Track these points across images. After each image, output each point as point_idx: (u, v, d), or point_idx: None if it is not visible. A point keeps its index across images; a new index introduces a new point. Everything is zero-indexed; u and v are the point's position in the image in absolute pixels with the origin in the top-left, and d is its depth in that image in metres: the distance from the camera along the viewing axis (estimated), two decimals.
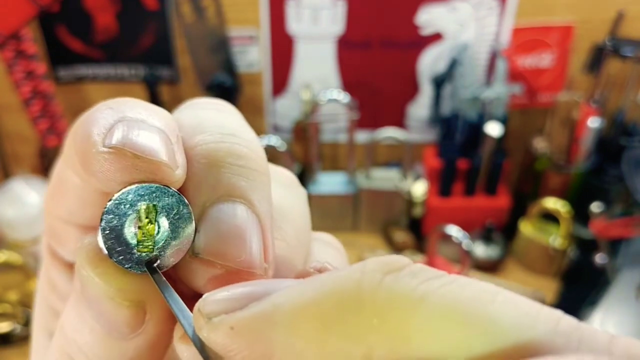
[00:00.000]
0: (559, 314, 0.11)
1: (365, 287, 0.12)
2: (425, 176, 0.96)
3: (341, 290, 0.12)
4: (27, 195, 0.88)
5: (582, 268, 0.89)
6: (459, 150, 0.91)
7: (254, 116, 1.00)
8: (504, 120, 0.88)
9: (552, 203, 0.87)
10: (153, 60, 0.95)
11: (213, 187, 0.16)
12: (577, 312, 0.80)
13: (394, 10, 0.90)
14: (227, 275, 0.15)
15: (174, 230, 0.15)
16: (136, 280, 0.15)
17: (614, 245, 0.87)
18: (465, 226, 0.82)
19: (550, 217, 0.89)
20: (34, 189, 0.89)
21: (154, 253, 0.15)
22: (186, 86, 0.97)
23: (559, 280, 0.90)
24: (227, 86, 0.91)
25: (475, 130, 0.89)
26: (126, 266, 0.15)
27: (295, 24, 0.92)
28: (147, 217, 0.15)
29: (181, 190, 0.16)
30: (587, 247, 0.89)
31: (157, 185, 0.15)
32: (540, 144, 0.92)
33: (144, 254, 0.15)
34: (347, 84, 0.97)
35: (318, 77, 0.97)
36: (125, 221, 0.15)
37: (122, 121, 0.15)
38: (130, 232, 0.15)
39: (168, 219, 0.15)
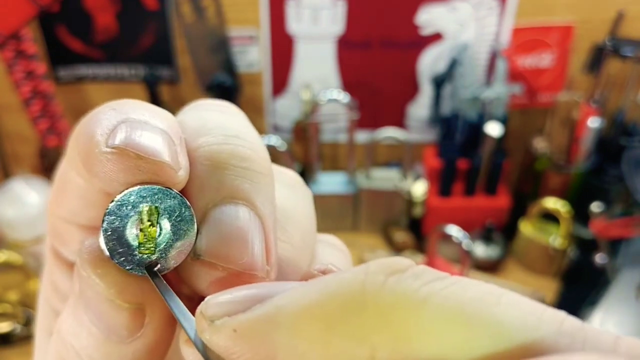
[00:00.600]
0: (562, 314, 0.11)
1: (368, 288, 0.12)
2: (425, 176, 0.96)
3: (344, 292, 0.12)
4: (27, 195, 0.88)
5: (582, 268, 0.89)
6: (459, 150, 0.91)
7: (254, 116, 1.00)
8: (504, 120, 0.88)
9: (552, 203, 0.88)
10: (153, 60, 0.95)
11: (216, 189, 0.16)
12: (577, 312, 0.80)
13: (394, 10, 0.90)
14: (229, 278, 0.15)
15: (176, 232, 0.15)
16: (136, 283, 0.15)
17: (614, 245, 0.87)
18: (465, 226, 0.82)
19: (550, 217, 0.89)
20: (34, 189, 0.89)
21: (156, 255, 0.15)
22: (186, 86, 0.97)
23: (559, 280, 0.90)
24: (227, 86, 0.91)
25: (475, 130, 0.90)
26: (127, 268, 0.15)
27: (295, 24, 0.92)
28: (149, 219, 0.15)
29: (184, 192, 0.16)
30: (587, 247, 0.89)
31: (160, 187, 0.15)
32: (540, 144, 0.92)
33: (145, 255, 0.15)
34: (347, 84, 0.97)
35: (318, 77, 0.97)
36: (127, 223, 0.15)
37: (125, 122, 0.15)
38: (132, 233, 0.15)
39: (170, 221, 0.15)
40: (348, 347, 0.12)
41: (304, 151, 0.97)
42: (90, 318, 0.15)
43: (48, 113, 0.93)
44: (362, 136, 0.97)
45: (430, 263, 0.84)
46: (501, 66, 0.88)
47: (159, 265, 0.15)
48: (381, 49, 0.94)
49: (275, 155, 0.89)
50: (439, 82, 0.92)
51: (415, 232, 0.97)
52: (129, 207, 0.15)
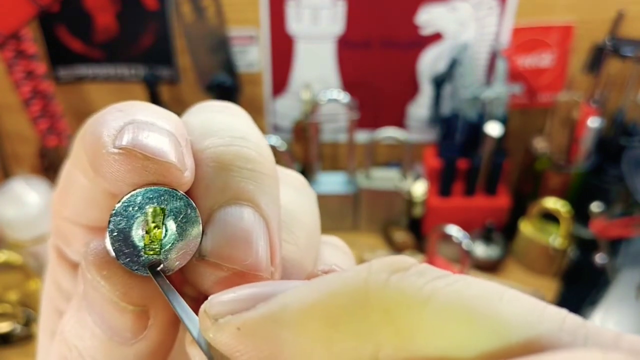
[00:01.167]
0: (564, 312, 0.12)
1: (371, 286, 0.12)
2: (425, 176, 0.96)
3: (348, 290, 0.12)
4: (27, 195, 0.88)
5: (582, 268, 0.89)
6: (459, 150, 0.91)
7: (254, 116, 0.98)
8: (504, 120, 0.88)
9: (552, 203, 0.88)
10: (153, 60, 0.95)
11: (221, 191, 0.16)
12: (577, 312, 0.79)
13: (394, 10, 0.90)
14: (234, 278, 0.15)
15: (181, 233, 0.15)
16: (141, 284, 0.15)
17: (614, 245, 0.87)
18: (465, 226, 0.82)
19: (550, 217, 0.89)
20: (34, 189, 0.89)
21: (161, 256, 0.15)
22: (186, 86, 0.97)
23: (559, 280, 0.90)
24: (227, 86, 0.91)
25: (475, 130, 0.90)
26: (133, 269, 0.15)
27: (295, 24, 0.92)
28: (154, 220, 0.15)
29: (189, 193, 0.16)
30: (587, 247, 0.90)
31: (166, 188, 0.15)
32: (540, 144, 0.92)
33: (151, 256, 0.15)
34: (347, 84, 0.97)
35: (318, 77, 0.97)
36: (133, 224, 0.15)
37: (132, 123, 0.15)
38: (137, 234, 0.15)
39: (175, 222, 0.15)
40: (352, 345, 0.12)
41: (304, 151, 0.97)
42: (93, 319, 0.15)
43: (48, 113, 0.93)
44: (362, 136, 0.97)
45: (430, 263, 0.83)
46: (501, 66, 0.88)
47: (163, 266, 0.15)
48: (381, 49, 0.94)
49: (275, 155, 0.89)
50: (439, 82, 0.92)
51: (415, 232, 0.97)
52: (136, 208, 0.15)
